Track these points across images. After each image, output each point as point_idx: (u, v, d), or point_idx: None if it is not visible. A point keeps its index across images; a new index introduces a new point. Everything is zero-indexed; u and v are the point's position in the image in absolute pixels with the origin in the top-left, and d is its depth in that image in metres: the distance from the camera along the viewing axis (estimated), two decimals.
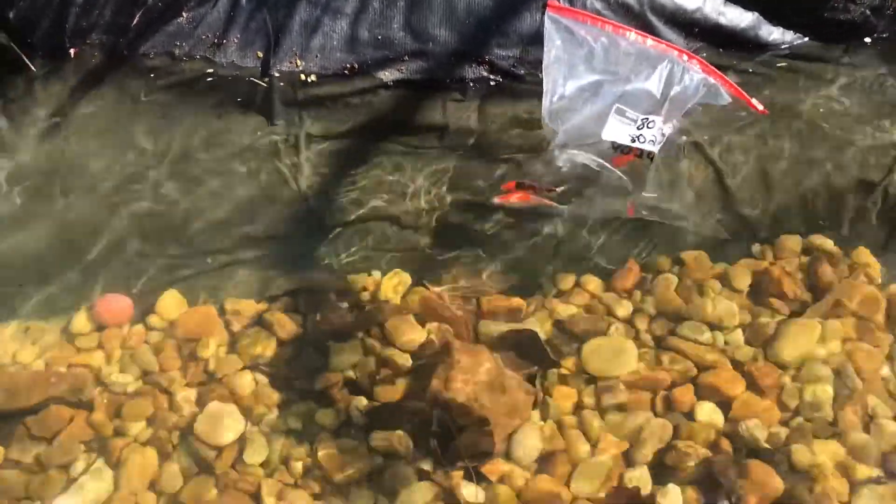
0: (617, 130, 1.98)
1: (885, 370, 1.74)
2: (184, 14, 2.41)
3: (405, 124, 2.29)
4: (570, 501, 1.58)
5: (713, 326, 1.82)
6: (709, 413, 1.68)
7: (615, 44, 1.97)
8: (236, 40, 2.39)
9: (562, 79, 2.01)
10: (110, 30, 2.46)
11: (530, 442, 1.65)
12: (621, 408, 1.71)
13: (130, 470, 1.66)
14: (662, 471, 1.61)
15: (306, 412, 1.73)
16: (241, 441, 1.70)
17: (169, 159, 2.23)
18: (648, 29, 2.25)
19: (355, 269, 1.98)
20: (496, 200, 2.06)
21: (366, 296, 1.92)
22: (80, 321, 1.89)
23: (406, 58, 2.32)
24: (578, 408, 1.72)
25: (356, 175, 2.17)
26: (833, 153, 2.16)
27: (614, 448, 1.65)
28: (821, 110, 2.27)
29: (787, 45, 2.40)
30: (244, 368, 1.81)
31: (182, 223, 2.09)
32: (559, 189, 2.05)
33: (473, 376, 1.68)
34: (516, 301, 1.89)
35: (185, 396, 1.76)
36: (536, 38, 2.26)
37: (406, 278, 1.95)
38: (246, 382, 1.79)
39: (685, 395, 1.71)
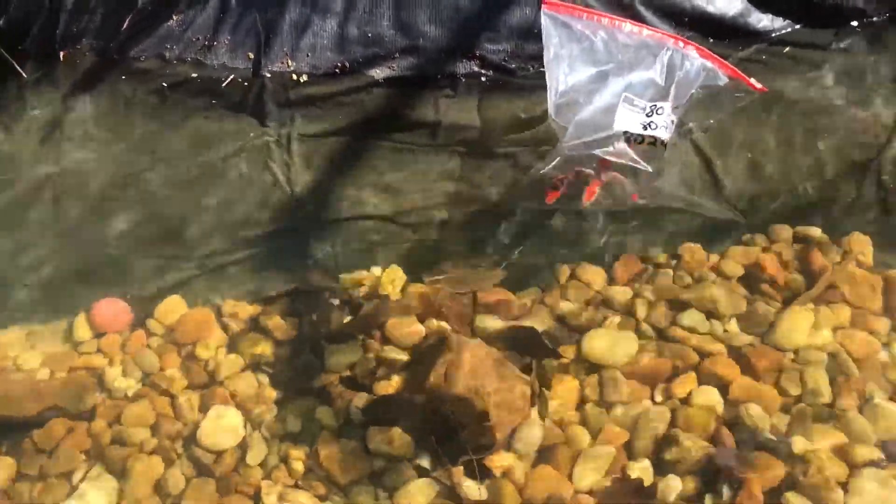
0: (628, 119, 1.97)
1: (883, 354, 1.75)
2: (174, 17, 2.40)
3: (397, 122, 2.29)
4: (573, 493, 1.59)
5: (710, 315, 1.83)
6: (709, 400, 1.69)
7: (613, 36, 1.98)
8: (227, 42, 2.38)
9: (563, 74, 2.01)
10: (100, 34, 2.45)
11: (532, 434, 1.66)
12: (622, 398, 1.71)
13: (135, 479, 1.67)
14: (663, 461, 1.61)
15: (305, 411, 1.74)
16: (243, 444, 1.70)
17: (162, 162, 2.23)
18: (639, 19, 2.22)
19: (351, 267, 1.98)
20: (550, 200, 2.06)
21: (363, 292, 1.93)
22: (80, 326, 1.89)
23: (396, 55, 2.31)
24: (580, 399, 1.73)
25: (349, 174, 2.17)
26: (825, 138, 2.16)
27: (616, 439, 1.65)
28: (813, 96, 2.27)
29: (777, 32, 2.39)
30: (245, 369, 1.83)
31: (177, 226, 2.09)
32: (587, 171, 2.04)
33: (472, 369, 1.68)
34: (514, 296, 1.89)
35: (188, 399, 1.77)
36: (527, 32, 2.28)
37: (403, 275, 1.95)
38: (247, 383, 1.80)
39: (686, 383, 1.72)
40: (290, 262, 2.02)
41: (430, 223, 2.07)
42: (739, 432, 1.64)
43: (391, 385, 1.76)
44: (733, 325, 1.82)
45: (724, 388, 1.71)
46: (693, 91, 1.99)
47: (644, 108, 1.97)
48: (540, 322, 1.84)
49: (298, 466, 1.67)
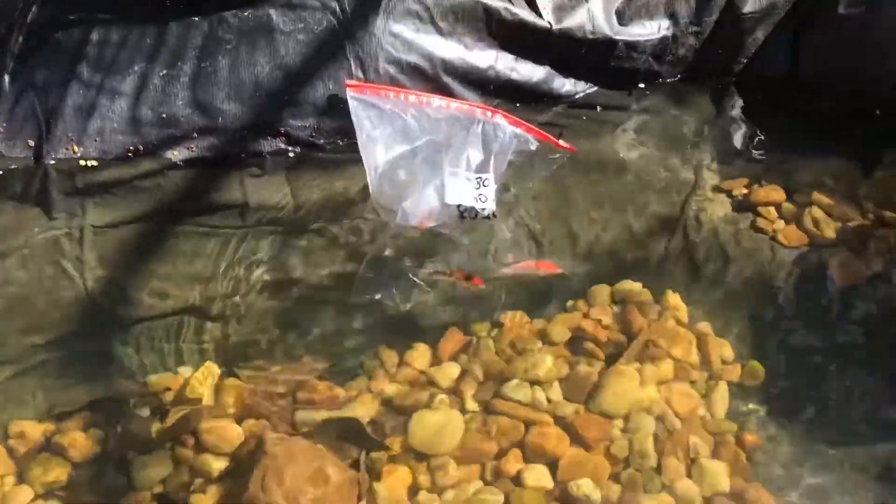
0: (459, 192, 1.98)
1: (702, 410, 1.78)
2: None
3: (201, 205, 2.16)
4: None
5: (534, 384, 1.80)
6: (538, 477, 1.65)
7: (424, 112, 1.99)
8: (1, 129, 2.19)
9: (380, 155, 1.99)
10: None
11: None
12: (451, 484, 1.65)
13: None
14: None
15: None
16: None
17: None
18: (445, 90, 2.24)
19: (157, 368, 1.83)
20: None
21: (170, 397, 1.78)
22: None
23: (195, 135, 2.20)
24: (412, 487, 1.65)
25: (150, 264, 2.02)
26: (633, 196, 2.23)
27: None
28: (620, 155, 2.35)
29: (579, 95, 2.47)
30: (36, 499, 1.62)
31: None
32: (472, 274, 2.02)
33: (291, 472, 1.57)
34: (335, 386, 1.80)
35: None
36: (331, 107, 2.22)
37: (216, 371, 1.82)
38: None
39: (513, 460, 1.68)
40: (88, 370, 1.84)
41: (243, 314, 1.95)
42: None
43: (208, 498, 1.61)
44: (557, 394, 1.80)
45: (553, 461, 1.68)
46: (509, 159, 2.01)
47: (471, 180, 1.98)
48: (366, 410, 1.75)
49: None
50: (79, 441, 1.70)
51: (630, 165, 2.32)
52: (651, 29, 2.40)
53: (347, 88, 2.00)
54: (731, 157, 2.36)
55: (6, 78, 2.20)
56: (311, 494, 1.56)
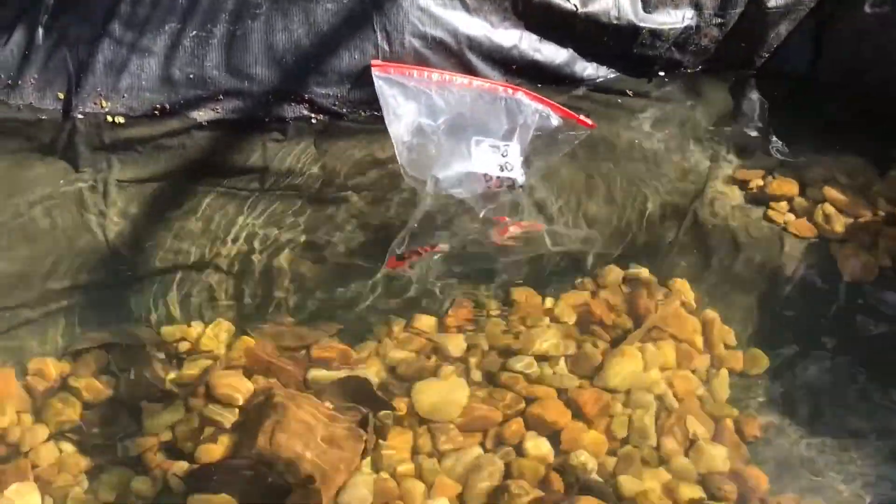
0: (486, 161, 2.03)
1: (703, 391, 1.81)
2: None
3: (223, 166, 2.20)
4: None
5: (541, 359, 1.83)
6: (539, 447, 1.69)
7: (448, 89, 2.05)
8: (33, 81, 2.22)
9: (408, 131, 2.04)
10: None
11: (361, 494, 1.59)
12: (455, 449, 1.68)
13: None
14: None
15: (119, 482, 1.60)
16: None
17: None
18: (469, 67, 2.27)
19: (173, 320, 1.87)
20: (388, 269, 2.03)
21: (185, 347, 1.82)
22: None
23: (221, 97, 2.23)
24: (414, 452, 1.68)
25: (170, 220, 2.06)
26: (647, 181, 2.25)
27: (448, 490, 1.62)
28: (635, 141, 2.37)
29: (601, 79, 2.48)
30: (50, 438, 1.67)
31: None
32: (442, 247, 2.06)
33: (299, 430, 1.61)
34: (347, 347, 1.84)
35: None
36: (357, 77, 2.24)
37: (230, 328, 1.86)
38: (49, 453, 1.64)
39: (516, 430, 1.71)
40: (106, 317, 1.88)
41: (260, 273, 1.98)
42: (568, 476, 1.64)
43: (217, 448, 1.65)
44: (562, 369, 1.83)
45: (555, 433, 1.71)
46: (531, 134, 2.07)
47: (499, 148, 2.04)
48: (374, 373, 1.79)
49: None
50: (93, 385, 1.74)
51: (646, 151, 2.34)
52: (676, 18, 2.41)
53: (373, 68, 2.06)
54: (746, 150, 2.37)
55: (40, 31, 2.23)
56: (316, 448, 1.60)
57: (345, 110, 2.30)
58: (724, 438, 1.72)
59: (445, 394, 1.77)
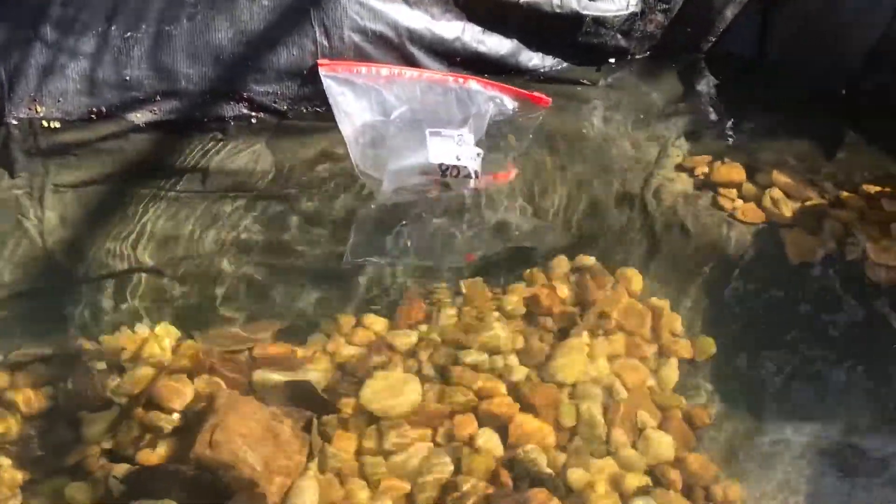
0: (441, 151, 2.01)
1: (651, 381, 1.80)
2: None
3: (163, 168, 2.17)
4: None
5: (491, 352, 1.82)
6: (488, 441, 1.67)
7: (398, 83, 2.04)
8: None
9: (360, 129, 2.03)
10: None
11: (306, 497, 1.57)
12: (403, 447, 1.66)
13: None
14: None
15: (53, 490, 1.57)
16: None
17: None
18: (411, 60, 2.25)
19: (114, 326, 1.84)
20: None
21: (126, 355, 1.78)
22: None
23: (158, 98, 2.20)
24: (359, 452, 1.66)
25: (110, 225, 2.03)
26: (597, 171, 2.24)
27: (396, 490, 1.60)
28: (584, 131, 2.36)
29: (547, 69, 2.47)
30: None
31: None
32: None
33: (240, 431, 1.58)
34: (293, 347, 1.81)
35: None
36: (294, 73, 2.22)
37: (173, 332, 1.83)
38: None
39: (466, 425, 1.70)
40: (45, 326, 1.84)
41: (202, 275, 1.95)
42: (518, 469, 1.63)
43: (156, 454, 1.62)
44: (513, 361, 1.82)
45: (503, 426, 1.69)
46: (486, 122, 2.06)
47: (453, 137, 2.02)
48: (322, 372, 1.77)
49: None
50: (30, 396, 1.70)
51: (595, 140, 2.34)
52: (620, 5, 2.41)
53: (320, 67, 2.03)
54: (696, 134, 2.38)
55: None
56: (258, 452, 1.57)
57: (286, 108, 2.27)
58: (672, 427, 1.72)
59: (397, 390, 1.75)
